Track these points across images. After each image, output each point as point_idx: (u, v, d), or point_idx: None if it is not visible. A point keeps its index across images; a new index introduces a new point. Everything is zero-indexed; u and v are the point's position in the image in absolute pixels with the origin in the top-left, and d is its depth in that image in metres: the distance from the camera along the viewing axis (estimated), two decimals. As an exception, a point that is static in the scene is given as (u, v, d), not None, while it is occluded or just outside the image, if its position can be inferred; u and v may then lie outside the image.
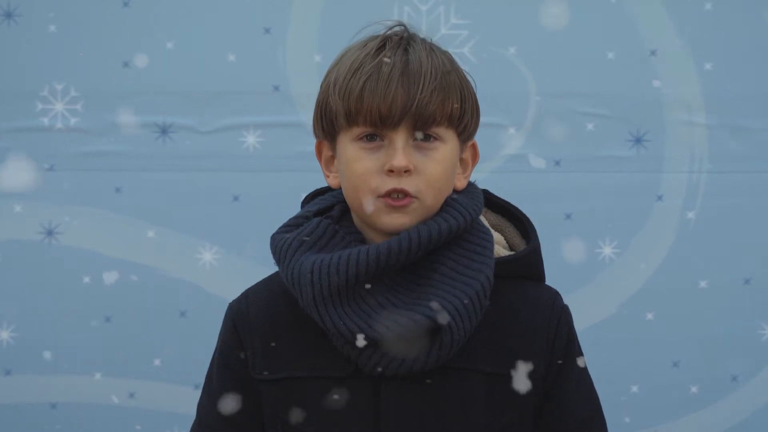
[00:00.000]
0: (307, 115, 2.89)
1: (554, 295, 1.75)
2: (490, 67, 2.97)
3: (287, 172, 2.89)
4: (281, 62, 2.96)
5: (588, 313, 3.01)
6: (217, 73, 2.95)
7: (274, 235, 1.72)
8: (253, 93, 2.96)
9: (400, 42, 1.68)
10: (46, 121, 2.96)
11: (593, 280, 3.02)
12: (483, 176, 2.88)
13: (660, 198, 3.03)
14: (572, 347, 1.74)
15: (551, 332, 1.72)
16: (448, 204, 1.68)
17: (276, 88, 2.96)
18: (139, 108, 2.96)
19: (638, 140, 3.01)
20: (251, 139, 2.97)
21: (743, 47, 3.01)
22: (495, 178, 2.95)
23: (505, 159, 3.00)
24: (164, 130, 2.97)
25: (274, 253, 1.70)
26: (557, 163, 3.01)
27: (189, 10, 2.95)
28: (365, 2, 2.86)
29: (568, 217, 3.02)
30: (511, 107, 2.99)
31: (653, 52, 3.01)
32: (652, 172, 3.02)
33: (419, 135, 1.65)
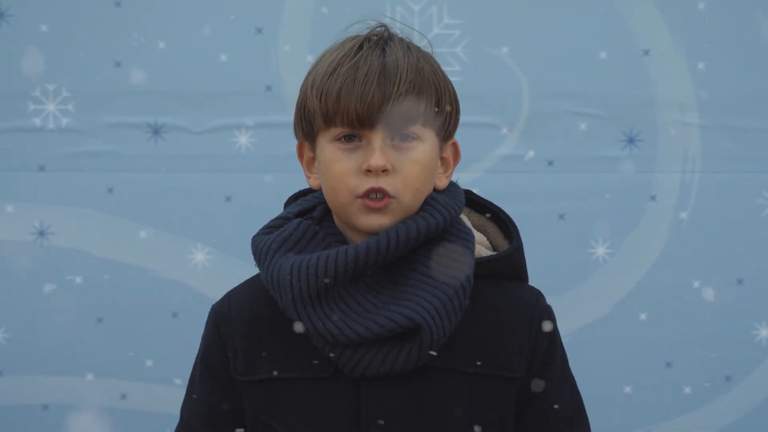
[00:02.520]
0: (299, 116, 2.91)
1: (536, 295, 1.75)
2: (483, 66, 2.96)
3: (280, 173, 2.89)
4: (273, 62, 2.96)
5: (581, 313, 3.01)
6: (210, 74, 2.95)
7: (254, 236, 1.72)
8: (246, 93, 2.96)
9: (378, 42, 1.68)
10: (38, 121, 2.96)
11: (586, 280, 3.02)
12: (476, 176, 2.93)
13: (653, 198, 3.03)
14: (554, 346, 1.74)
15: (533, 332, 1.71)
16: (428, 203, 1.68)
17: (268, 88, 2.96)
18: (131, 108, 2.96)
19: (631, 140, 3.01)
20: (243, 139, 2.97)
21: (736, 47, 3.01)
22: (488, 178, 2.96)
23: (498, 159, 3.00)
24: (156, 131, 2.96)
25: (254, 254, 1.70)
26: (550, 163, 3.01)
27: (181, 11, 2.95)
28: (357, 2, 2.85)
29: (561, 217, 3.02)
30: (504, 107, 2.98)
31: (646, 52, 3.00)
32: (645, 172, 3.02)
33: (396, 135, 1.65)
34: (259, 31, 2.95)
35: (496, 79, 2.97)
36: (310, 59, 2.93)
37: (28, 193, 2.96)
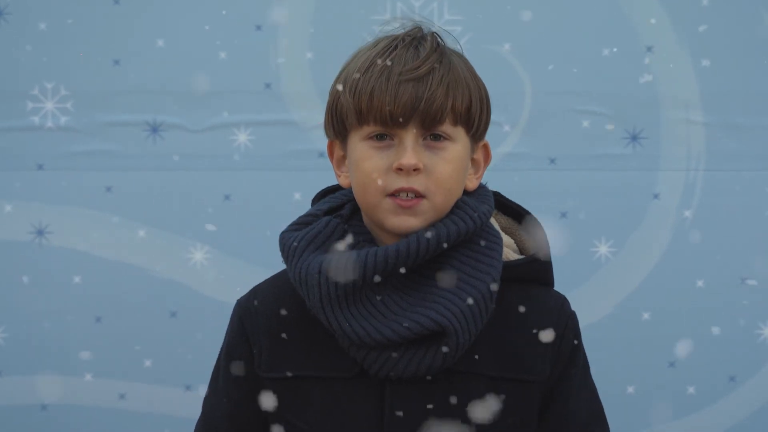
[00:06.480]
0: (298, 114, 2.90)
1: (562, 301, 1.77)
2: (484, 64, 2.92)
3: (279, 171, 2.88)
4: (273, 60, 2.95)
5: (584, 313, 2.95)
6: (208, 71, 2.94)
7: (282, 233, 1.73)
8: (245, 91, 2.95)
9: (412, 42, 1.70)
10: (36, 120, 2.95)
11: (589, 279, 3.01)
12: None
13: (656, 196, 3.02)
14: (577, 353, 1.76)
15: (557, 338, 1.73)
16: (459, 206, 1.69)
17: (268, 86, 2.95)
18: (130, 107, 2.95)
19: (634, 138, 3.00)
20: (242, 137, 2.96)
21: (740, 44, 3.00)
22: (490, 176, 2.92)
23: (500, 157, 2.99)
24: (155, 129, 2.96)
25: (282, 251, 1.71)
26: (552, 161, 3.00)
27: (180, 8, 2.95)
28: (357, -1, 2.86)
29: (564, 215, 3.00)
30: (506, 105, 2.97)
31: (649, 49, 2.99)
32: (649, 170, 3.01)
33: (428, 134, 1.66)
34: (258, 28, 2.94)
35: (497, 77, 2.95)
36: (310, 57, 2.93)
37: (26, 192, 2.96)
